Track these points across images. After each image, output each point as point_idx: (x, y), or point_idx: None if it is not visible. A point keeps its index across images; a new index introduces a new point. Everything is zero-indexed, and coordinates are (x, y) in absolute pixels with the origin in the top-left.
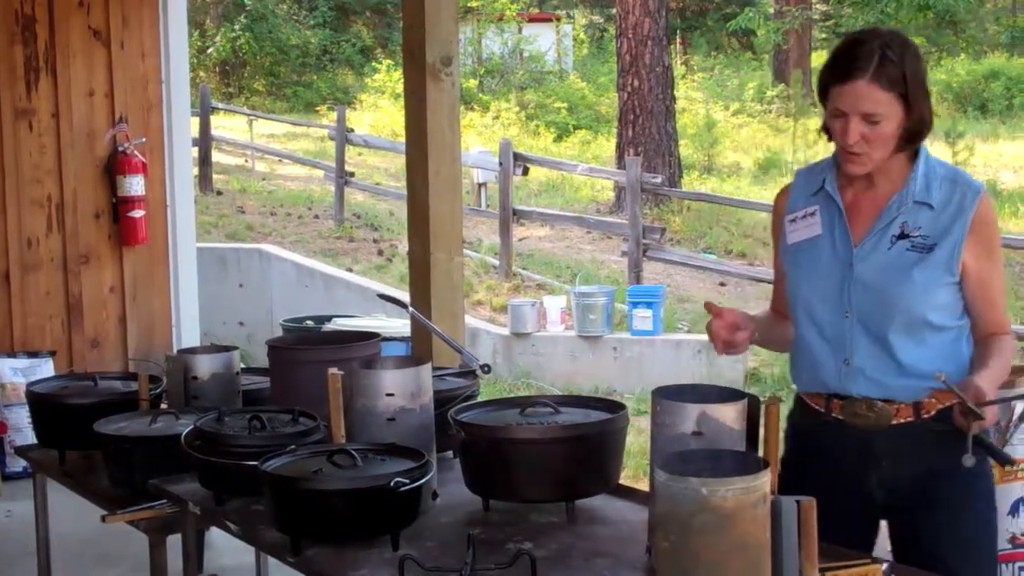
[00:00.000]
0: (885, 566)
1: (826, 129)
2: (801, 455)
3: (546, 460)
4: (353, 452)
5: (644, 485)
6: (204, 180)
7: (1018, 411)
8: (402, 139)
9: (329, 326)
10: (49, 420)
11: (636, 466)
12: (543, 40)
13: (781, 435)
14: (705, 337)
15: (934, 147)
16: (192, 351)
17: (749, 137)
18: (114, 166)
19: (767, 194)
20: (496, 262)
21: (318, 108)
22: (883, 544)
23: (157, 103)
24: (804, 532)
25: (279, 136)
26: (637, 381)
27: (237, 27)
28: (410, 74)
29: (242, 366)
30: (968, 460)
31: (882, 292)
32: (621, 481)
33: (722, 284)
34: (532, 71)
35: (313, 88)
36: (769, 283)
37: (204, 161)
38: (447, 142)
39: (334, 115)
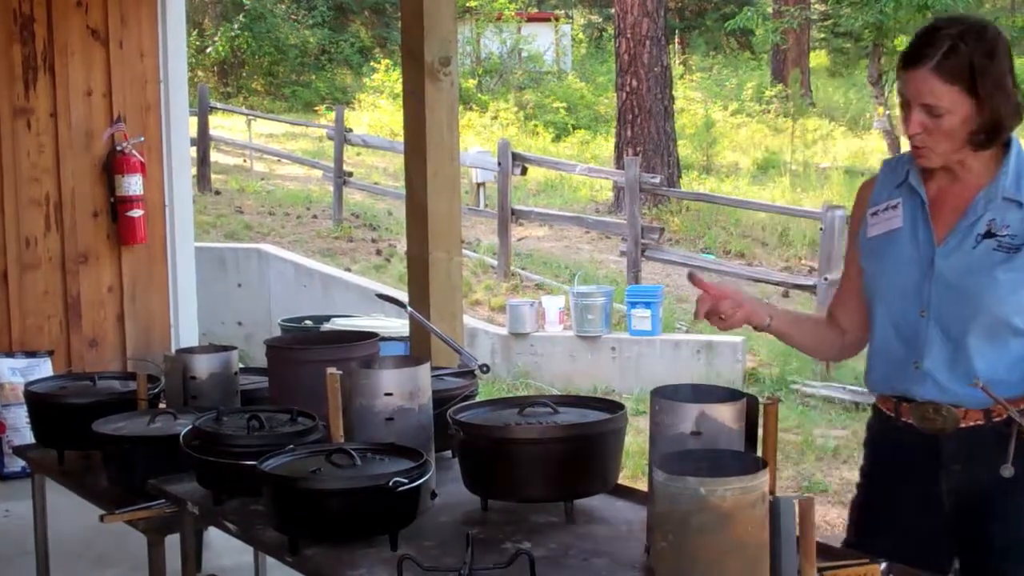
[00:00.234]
0: (884, 566)
1: None
2: (875, 462)
3: (545, 460)
4: (352, 452)
5: (643, 485)
6: (202, 180)
7: None
8: (400, 139)
9: (328, 326)
10: (47, 420)
11: (635, 466)
12: (542, 40)
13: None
14: (704, 337)
15: None
16: (190, 351)
17: (748, 137)
18: (112, 166)
19: (765, 194)
20: (495, 262)
21: (317, 108)
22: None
23: (155, 103)
24: (803, 532)
25: (278, 136)
26: (635, 381)
27: (236, 27)
28: (409, 74)
29: (241, 366)
30: (1007, 471)
31: (964, 293)
32: (620, 481)
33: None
34: (531, 71)
35: (312, 88)
36: (767, 283)
37: (202, 161)
38: (445, 142)
39: (332, 115)
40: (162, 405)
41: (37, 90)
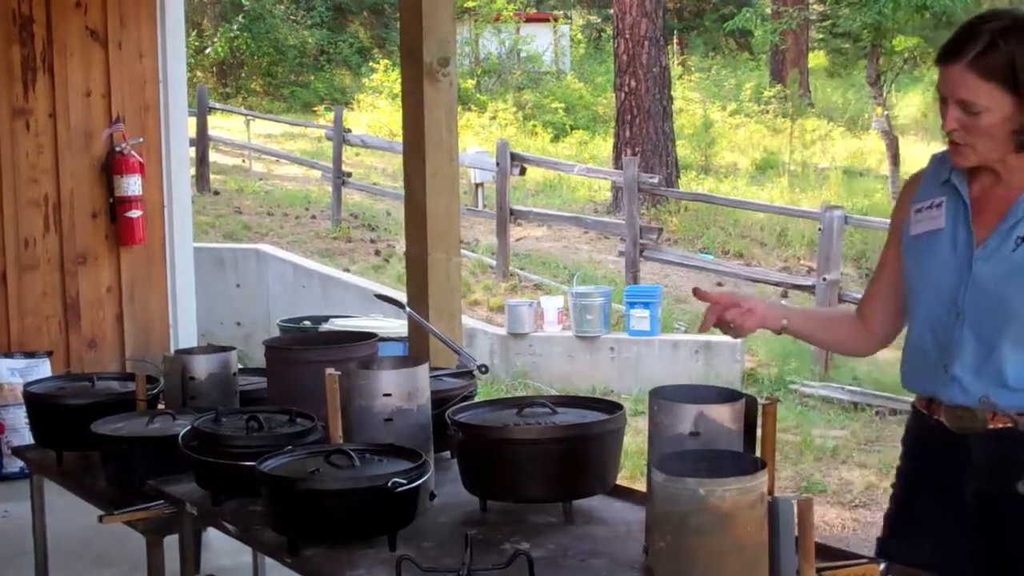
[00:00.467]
0: (883, 566)
1: None
2: (911, 461)
3: (543, 460)
4: (350, 452)
5: (642, 485)
6: (201, 180)
7: None
8: (399, 139)
9: (326, 326)
10: (46, 420)
11: (634, 466)
12: (540, 40)
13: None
14: (702, 337)
15: (931, 146)
16: (189, 351)
17: (746, 137)
18: (111, 166)
19: (764, 194)
20: (493, 262)
21: (315, 108)
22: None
23: (154, 103)
24: (801, 532)
25: (276, 136)
26: (634, 381)
27: (235, 27)
28: (407, 74)
29: (239, 366)
30: (1022, 487)
31: (999, 297)
32: (619, 481)
33: (719, 284)
34: (529, 71)
35: (310, 88)
36: (766, 284)
37: (201, 161)
38: (444, 142)
39: (331, 115)
40: (161, 406)
41: (36, 91)
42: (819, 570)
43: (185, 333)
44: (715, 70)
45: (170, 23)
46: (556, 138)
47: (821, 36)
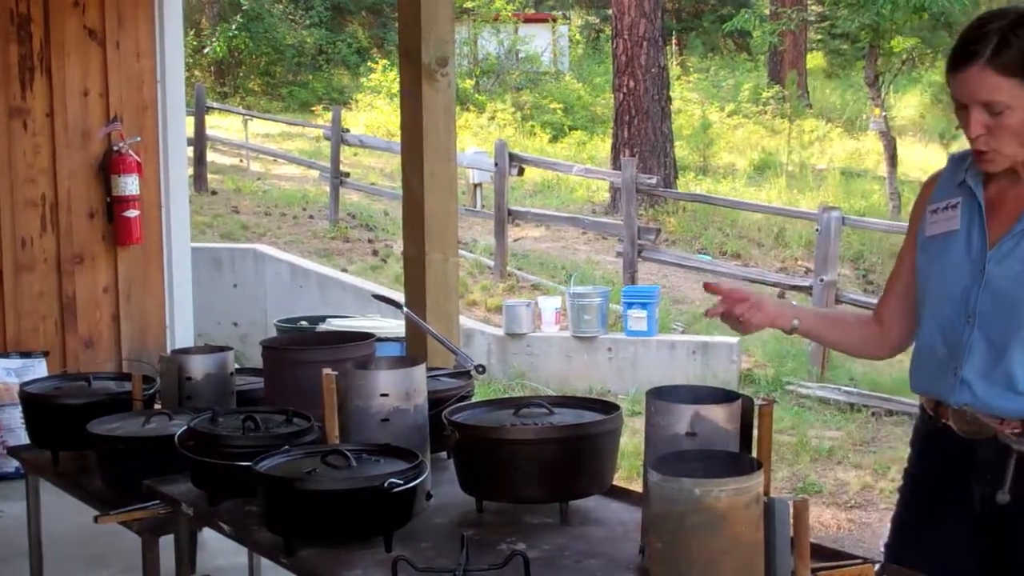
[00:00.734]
0: (877, 566)
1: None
2: (918, 463)
3: (540, 461)
4: (347, 453)
5: (638, 486)
6: (199, 180)
7: None
8: (397, 139)
9: (324, 327)
10: (42, 420)
11: (630, 467)
12: (539, 41)
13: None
14: (699, 338)
15: (928, 148)
16: (186, 351)
17: (744, 138)
18: (109, 166)
19: (762, 195)
20: (491, 263)
21: (314, 108)
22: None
23: (152, 103)
24: (797, 532)
25: (274, 136)
26: (632, 382)
27: (233, 27)
28: (406, 74)
29: (236, 366)
30: (1002, 496)
31: (1011, 301)
32: (616, 482)
33: None
34: (528, 72)
35: (309, 88)
36: (763, 284)
37: (199, 161)
38: (442, 142)
39: (329, 115)
40: (157, 406)
41: (34, 90)
42: (814, 570)
43: (182, 333)
44: (713, 71)
45: (168, 22)
46: (554, 138)
47: (819, 37)
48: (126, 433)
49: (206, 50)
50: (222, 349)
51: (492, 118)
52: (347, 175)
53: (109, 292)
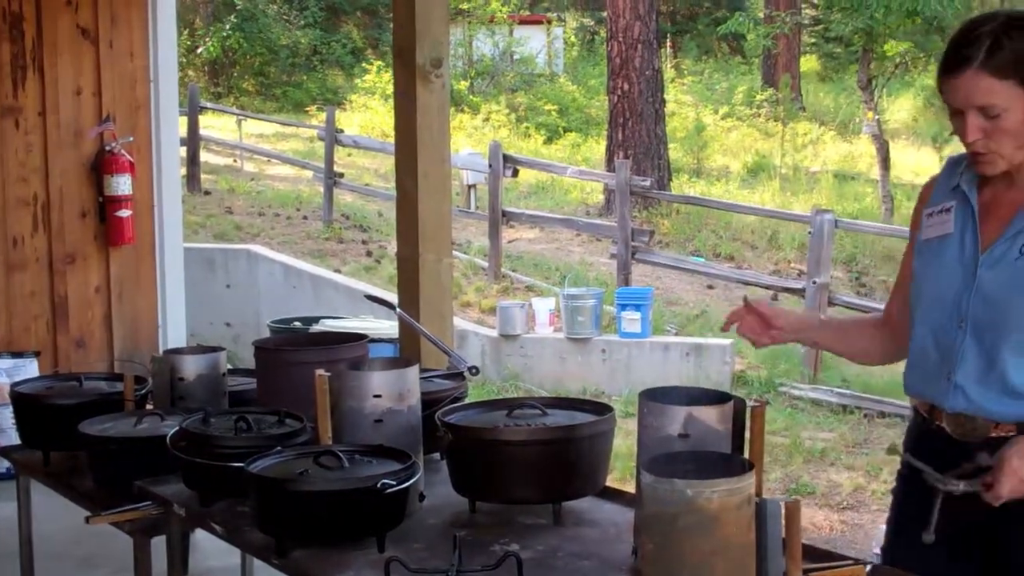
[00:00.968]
0: (869, 568)
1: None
2: (912, 465)
3: (532, 462)
4: (339, 453)
5: (632, 487)
6: (192, 180)
7: None
8: (392, 140)
9: (317, 327)
10: (33, 421)
11: (624, 468)
12: (534, 42)
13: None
14: (693, 339)
15: (921, 151)
16: (178, 352)
17: (738, 141)
18: (101, 165)
19: (755, 197)
20: (485, 264)
21: (308, 108)
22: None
23: (145, 102)
24: (789, 533)
25: (268, 136)
26: (625, 383)
27: (227, 27)
28: (399, 75)
29: (229, 367)
30: (927, 537)
31: (1001, 306)
32: (609, 483)
33: (710, 287)
34: (523, 73)
35: (303, 88)
36: (757, 286)
37: (192, 161)
38: (436, 143)
39: (324, 115)
40: (149, 406)
41: (26, 89)
42: (806, 571)
43: (174, 334)
44: (708, 73)
45: (161, 22)
46: (549, 140)
47: (813, 40)
48: (118, 433)
49: (200, 50)
50: (214, 349)
51: (487, 119)
52: (341, 176)
53: (101, 292)
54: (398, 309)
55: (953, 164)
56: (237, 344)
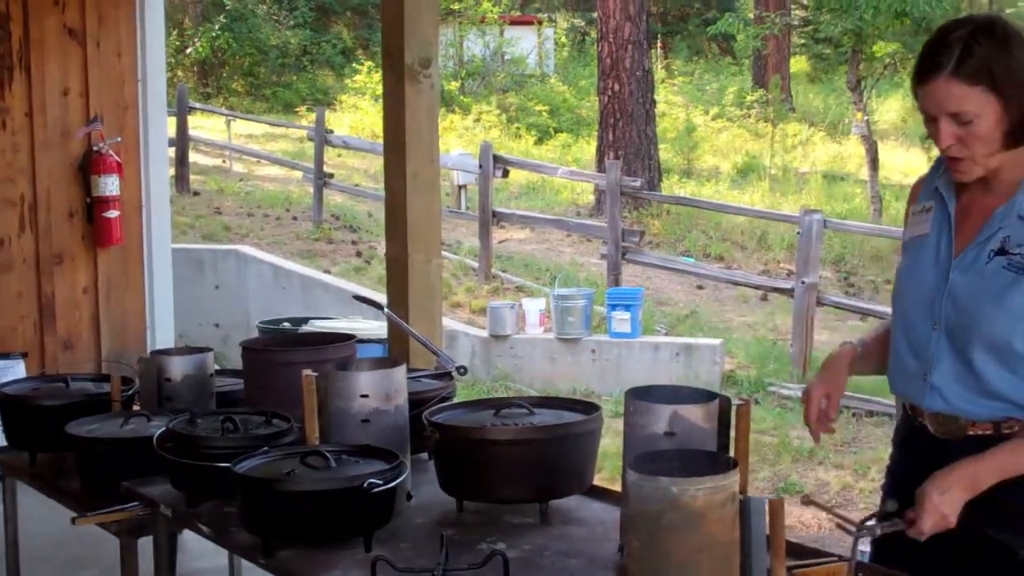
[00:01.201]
0: (854, 564)
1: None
2: (898, 460)
3: (520, 461)
4: (326, 453)
5: (619, 486)
6: (181, 180)
7: None
8: (382, 141)
9: (306, 328)
10: (20, 422)
11: (613, 468)
12: (525, 43)
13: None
14: (682, 340)
15: (909, 152)
16: (166, 352)
17: (728, 141)
18: (89, 166)
19: (745, 198)
20: (475, 264)
21: (297, 109)
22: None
23: (133, 102)
24: (773, 531)
25: (257, 137)
26: (615, 383)
27: (216, 27)
28: (388, 76)
29: (217, 368)
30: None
31: (970, 310)
32: (597, 482)
33: (700, 287)
34: (513, 74)
35: (293, 89)
36: (746, 287)
37: (181, 161)
38: (425, 143)
39: (313, 116)
40: (136, 407)
41: (12, 89)
42: (790, 568)
43: (162, 334)
44: (698, 74)
45: (150, 22)
46: (539, 141)
47: (803, 41)
48: (104, 434)
49: (189, 50)
50: (202, 350)
51: (477, 120)
52: (331, 176)
53: (89, 293)
54: (386, 309)
55: (938, 164)
56: (226, 345)
